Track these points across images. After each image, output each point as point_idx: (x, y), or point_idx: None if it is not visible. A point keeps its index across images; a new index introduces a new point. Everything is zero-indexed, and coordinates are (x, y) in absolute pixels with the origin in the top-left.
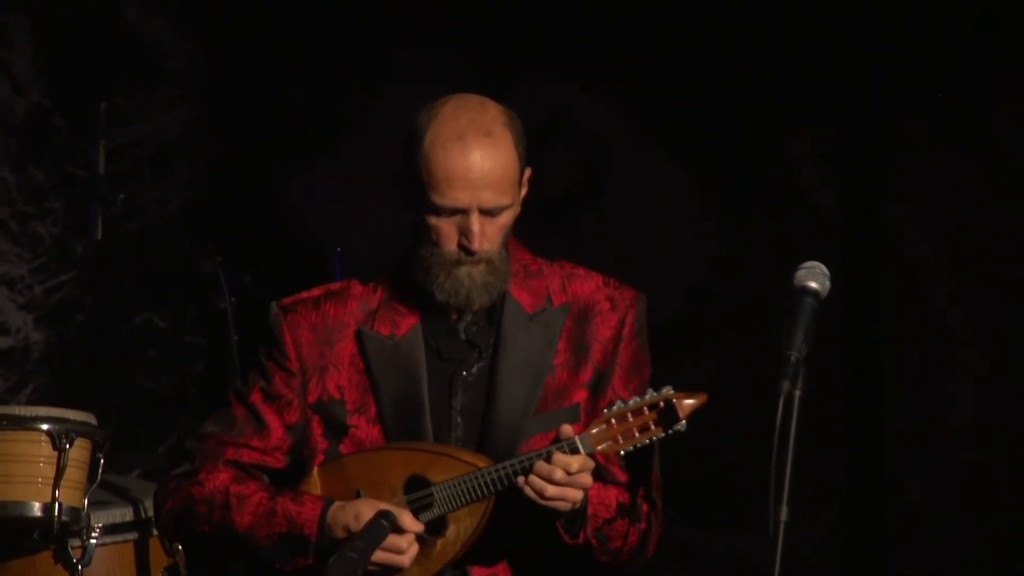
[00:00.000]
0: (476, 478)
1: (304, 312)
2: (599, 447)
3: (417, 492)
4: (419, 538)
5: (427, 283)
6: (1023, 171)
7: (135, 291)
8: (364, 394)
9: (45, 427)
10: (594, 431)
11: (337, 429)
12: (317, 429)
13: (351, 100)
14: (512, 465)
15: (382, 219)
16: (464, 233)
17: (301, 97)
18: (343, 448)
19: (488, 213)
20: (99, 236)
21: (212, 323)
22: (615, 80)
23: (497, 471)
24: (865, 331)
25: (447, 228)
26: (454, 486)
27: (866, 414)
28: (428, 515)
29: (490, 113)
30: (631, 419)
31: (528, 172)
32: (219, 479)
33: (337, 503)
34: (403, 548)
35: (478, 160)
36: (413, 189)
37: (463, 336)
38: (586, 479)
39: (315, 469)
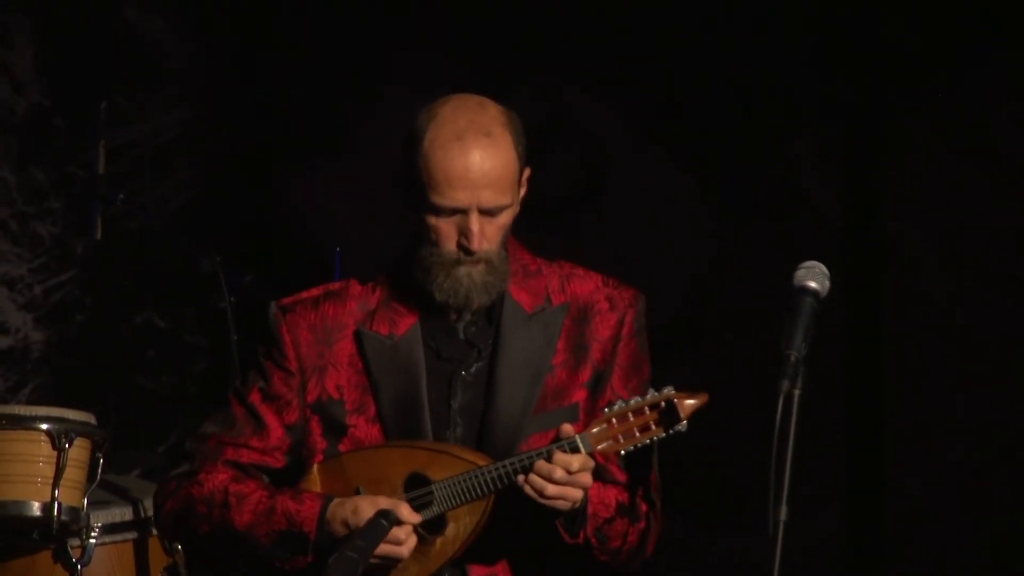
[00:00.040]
0: (476, 476)
1: (303, 312)
2: (599, 446)
3: (417, 490)
4: (419, 536)
5: (426, 283)
6: (1023, 171)
7: (135, 291)
8: (363, 394)
9: (45, 427)
10: (594, 430)
11: (336, 429)
12: (316, 429)
13: (351, 100)
14: (512, 464)
15: (382, 219)
16: (463, 233)
17: (301, 97)
18: (342, 448)
19: (487, 213)
20: (99, 236)
21: (212, 323)
22: (615, 80)
23: (497, 470)
24: (865, 331)
25: (446, 228)
26: (454, 484)
27: (866, 414)
28: (428, 513)
29: (489, 113)
30: (632, 419)
31: (527, 172)
32: (218, 479)
33: (336, 500)
34: (401, 539)
35: (477, 160)
36: (413, 189)
37: (462, 336)
38: (586, 478)
39: (315, 467)
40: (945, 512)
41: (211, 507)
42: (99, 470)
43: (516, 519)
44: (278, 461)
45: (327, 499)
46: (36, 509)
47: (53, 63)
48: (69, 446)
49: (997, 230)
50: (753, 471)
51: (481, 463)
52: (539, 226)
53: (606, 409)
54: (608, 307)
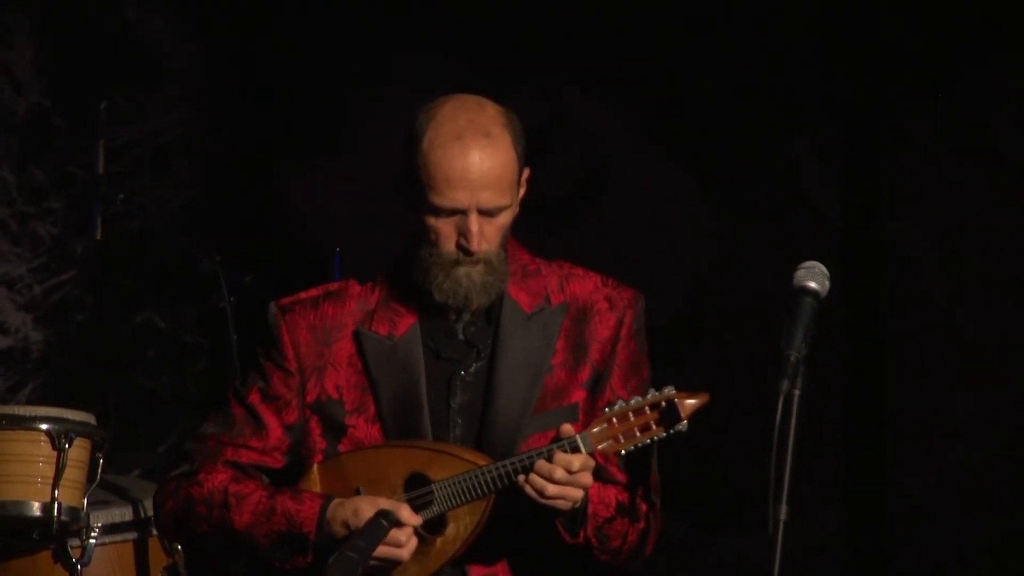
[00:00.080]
0: (476, 476)
1: (302, 312)
2: (600, 446)
3: (417, 490)
4: (419, 536)
5: (426, 283)
6: (1023, 171)
7: (135, 291)
8: (363, 394)
9: (44, 427)
10: (595, 430)
11: (336, 429)
12: (316, 429)
13: (351, 100)
14: (513, 463)
15: (382, 219)
16: (463, 233)
17: (301, 97)
18: (342, 448)
19: (487, 213)
20: (99, 236)
21: (212, 323)
22: (615, 80)
23: (497, 469)
24: (865, 331)
25: (446, 228)
26: (454, 484)
27: (866, 414)
28: (428, 513)
29: (488, 113)
30: (632, 418)
31: (527, 172)
32: (218, 479)
33: (336, 500)
34: (402, 542)
35: (477, 160)
36: (412, 189)
37: (461, 336)
38: (587, 478)
39: (315, 467)
40: (945, 512)
41: (211, 507)
42: (99, 470)
43: (516, 519)
44: (277, 461)
45: (327, 499)
46: (36, 509)
47: (53, 63)
48: (69, 446)
49: (997, 230)
50: (753, 471)
51: (481, 463)
52: (539, 226)
53: (606, 409)
54: (607, 307)
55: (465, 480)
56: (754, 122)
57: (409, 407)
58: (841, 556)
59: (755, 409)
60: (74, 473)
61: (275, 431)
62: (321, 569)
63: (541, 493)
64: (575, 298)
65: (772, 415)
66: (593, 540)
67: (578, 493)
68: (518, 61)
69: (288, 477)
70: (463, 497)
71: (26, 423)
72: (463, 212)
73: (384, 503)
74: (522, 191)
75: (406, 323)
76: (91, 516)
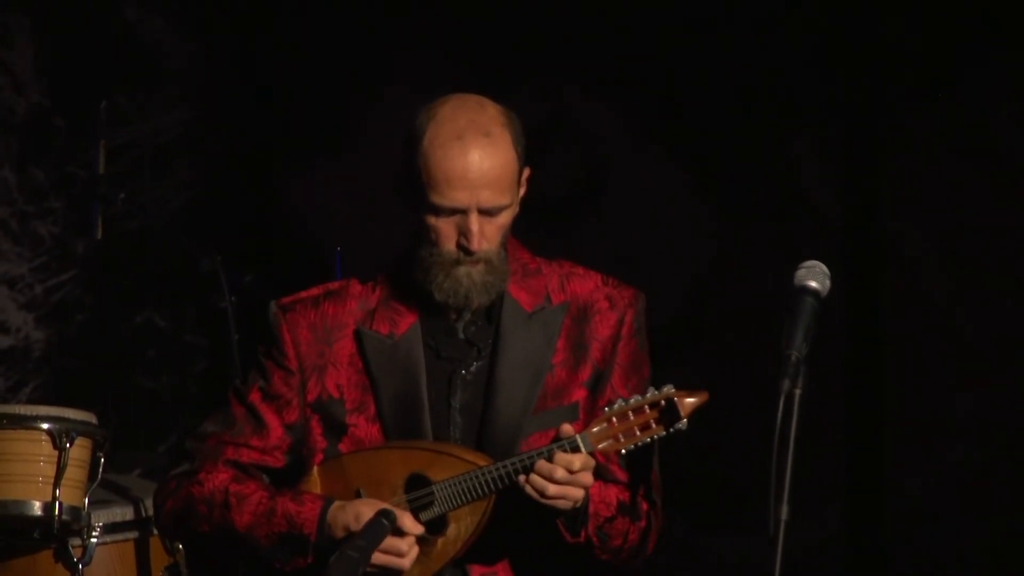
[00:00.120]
0: (477, 477)
1: (303, 311)
2: (600, 445)
3: (417, 491)
4: (419, 537)
5: (426, 283)
6: (1023, 171)
7: (135, 291)
8: (363, 393)
9: (45, 426)
10: (595, 429)
11: (336, 428)
12: (316, 428)
13: (351, 100)
14: (513, 464)
15: (382, 219)
16: (463, 233)
17: (301, 97)
18: (342, 447)
19: (487, 213)
20: (99, 236)
21: (212, 323)
22: (615, 80)
23: (498, 470)
24: (865, 331)
25: (446, 228)
26: (454, 485)
27: (866, 414)
28: (428, 514)
29: (489, 113)
30: (632, 417)
31: (527, 172)
32: (219, 479)
33: (337, 503)
34: (403, 551)
35: (477, 160)
36: (412, 189)
37: (462, 335)
38: (587, 478)
39: (315, 468)
40: (945, 512)
41: (211, 507)
42: (100, 469)
43: (517, 519)
44: (278, 460)
45: (327, 501)
46: (37, 508)
47: (53, 63)
48: (70, 445)
49: (997, 230)
50: (753, 471)
51: (481, 463)
52: (539, 226)
53: (606, 408)
54: (608, 306)
55: (465, 481)
56: (754, 122)
57: (410, 406)
58: (841, 556)
59: (755, 409)
60: (75, 472)
61: (276, 430)
62: (322, 570)
63: (542, 493)
64: (576, 297)
65: (772, 415)
66: (594, 539)
67: (579, 493)
68: (518, 61)
69: (289, 476)
70: (464, 498)
71: (27, 422)
72: (463, 211)
73: (386, 506)
74: (522, 191)
75: (407, 322)
76: (92, 515)
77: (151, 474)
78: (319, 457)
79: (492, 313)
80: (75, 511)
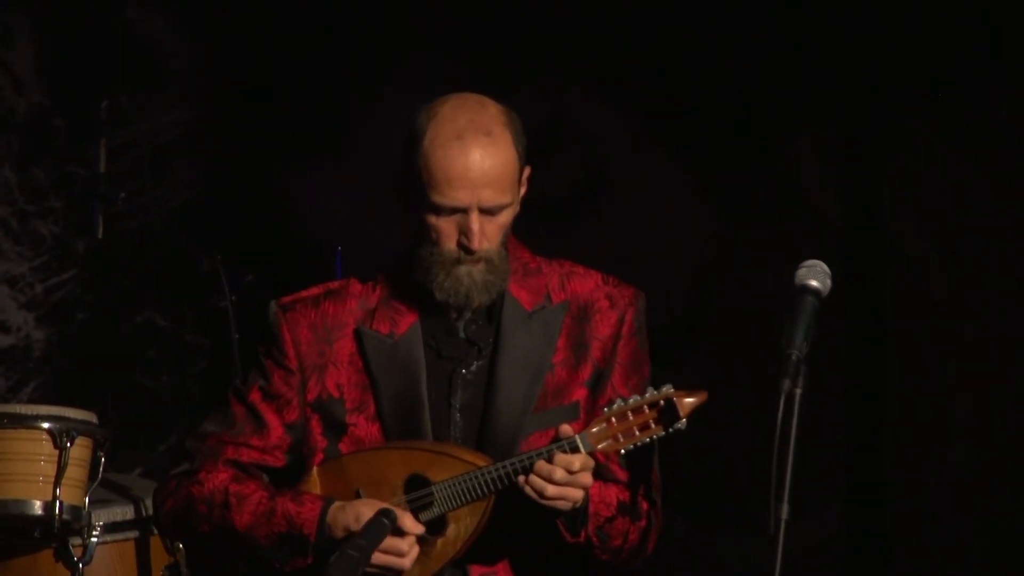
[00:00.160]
0: (476, 477)
1: (303, 311)
2: (599, 446)
3: (417, 491)
4: (419, 538)
5: (427, 282)
6: (1023, 171)
7: (136, 290)
8: (363, 393)
9: (46, 425)
10: (594, 430)
11: (336, 428)
12: (316, 428)
13: (351, 100)
14: (512, 464)
15: (382, 219)
16: (464, 232)
17: (301, 97)
18: (342, 447)
19: (488, 212)
20: (100, 235)
21: (213, 322)
22: (615, 80)
23: (497, 470)
24: (865, 331)
25: (447, 227)
26: (454, 485)
27: (866, 414)
28: (428, 514)
29: (489, 112)
30: (631, 418)
31: (527, 171)
32: (219, 479)
33: (337, 503)
34: (404, 551)
35: (477, 159)
36: (413, 189)
37: (462, 334)
38: (587, 479)
39: (315, 468)
40: (945, 512)
41: (211, 507)
42: (100, 469)
43: (517, 519)
44: (278, 460)
45: (327, 501)
46: (38, 508)
47: (53, 63)
48: (70, 445)
49: (997, 230)
50: (753, 471)
51: (481, 464)
52: (539, 226)
53: (605, 408)
54: (608, 305)
55: (465, 481)
56: (754, 122)
57: (410, 405)
58: (841, 556)
59: (755, 409)
60: (76, 472)
61: (276, 430)
62: (322, 569)
63: (541, 494)
64: (576, 296)
65: (772, 415)
66: (594, 539)
67: (578, 493)
68: (518, 61)
69: (289, 476)
70: (463, 498)
71: (28, 422)
72: (464, 211)
73: (386, 505)
74: (523, 190)
75: (407, 322)
76: (93, 515)
77: (151, 473)
78: (319, 456)
79: (492, 312)
80: (75, 510)
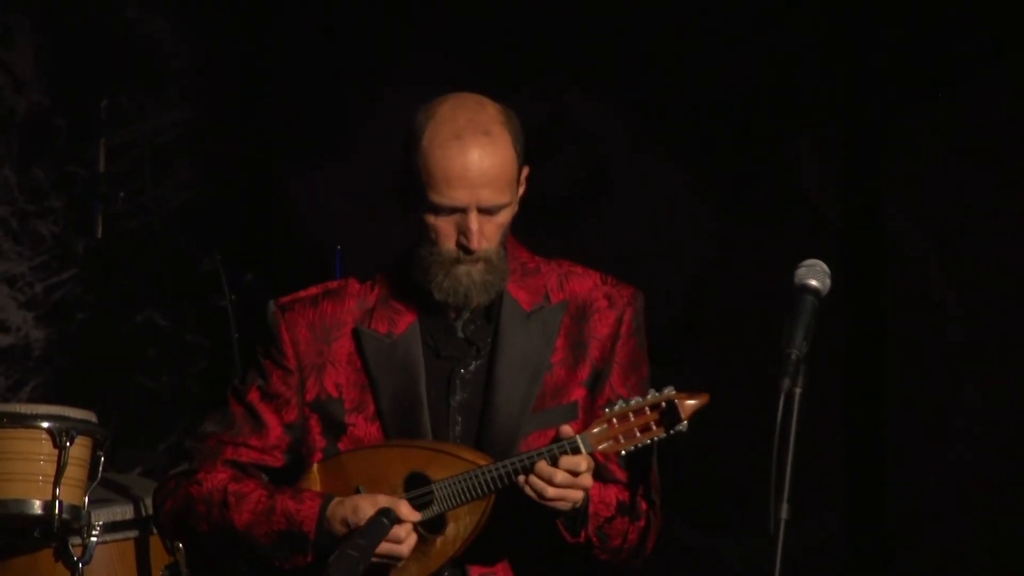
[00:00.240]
0: (476, 476)
1: (302, 310)
2: (600, 447)
3: (417, 490)
4: (419, 536)
5: (425, 282)
6: (1023, 171)
7: (136, 290)
8: (362, 392)
9: (46, 425)
10: (595, 430)
11: (335, 428)
12: (315, 428)
13: (351, 100)
14: (513, 464)
15: (382, 219)
16: (463, 232)
17: (301, 97)
18: (341, 446)
19: (486, 212)
20: (100, 235)
21: (213, 322)
22: (615, 80)
23: (497, 469)
24: (865, 331)
25: (446, 227)
26: (454, 484)
27: (866, 414)
28: (428, 513)
29: (488, 112)
30: (632, 419)
31: (526, 171)
32: (217, 478)
33: (336, 499)
34: (401, 538)
35: (476, 159)
36: (412, 188)
37: (461, 334)
38: (587, 480)
39: (315, 466)
40: (945, 512)
41: (210, 506)
42: (100, 468)
43: (516, 519)
44: (277, 460)
45: (327, 498)
46: (37, 507)
47: (53, 63)
48: (70, 444)
49: (997, 230)
50: (753, 471)
51: (481, 463)
52: (539, 226)
53: (606, 409)
54: (607, 305)
55: (465, 480)
56: (754, 122)
57: (409, 405)
58: (841, 556)
59: (755, 409)
60: (75, 471)
61: (274, 430)
62: (322, 568)
63: (541, 494)
64: (574, 296)
65: (772, 415)
66: (594, 539)
67: (578, 495)
68: (518, 61)
69: (288, 476)
70: (463, 497)
71: (27, 421)
72: (463, 210)
73: (383, 500)
74: (521, 189)
75: (405, 321)
76: (92, 514)
77: (151, 473)
78: (318, 456)
79: (491, 312)
80: (75, 510)
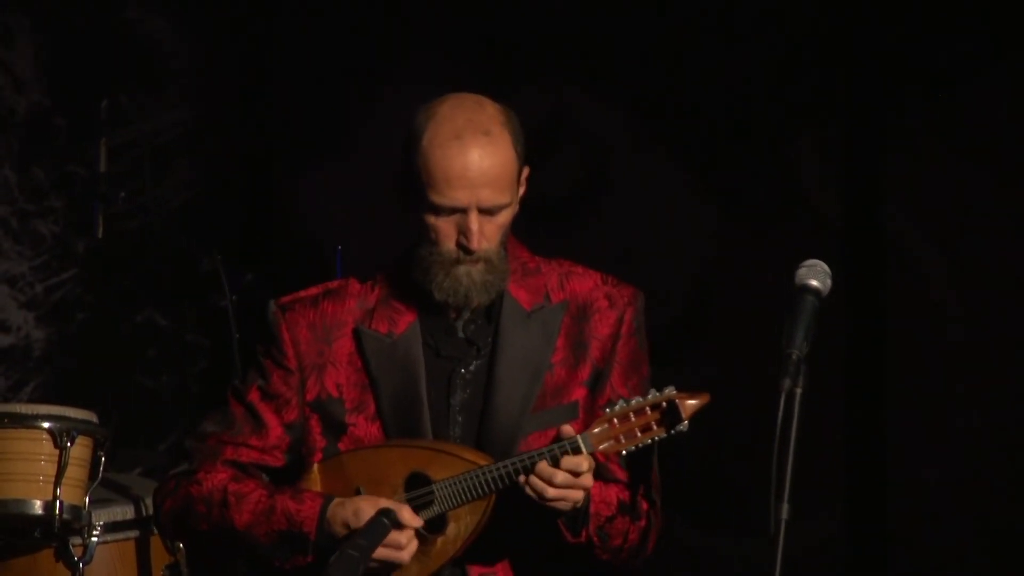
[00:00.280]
0: (477, 476)
1: (302, 310)
2: (601, 446)
3: (417, 490)
4: (419, 536)
5: (426, 282)
6: (1023, 171)
7: (136, 290)
8: (363, 392)
9: (46, 425)
10: (596, 430)
11: (336, 427)
12: (316, 428)
13: (351, 100)
14: (514, 464)
15: (382, 219)
16: (463, 232)
17: (301, 97)
18: (342, 446)
19: (487, 212)
20: (100, 234)
21: (213, 322)
22: (615, 80)
23: (498, 469)
24: (865, 331)
25: (446, 227)
26: (454, 484)
27: (866, 414)
28: (428, 513)
29: (488, 112)
30: (633, 419)
31: (526, 171)
32: (217, 478)
33: (336, 500)
34: (402, 544)
35: (476, 159)
36: (412, 188)
37: (461, 334)
38: (588, 480)
39: (315, 466)
40: (945, 512)
41: (210, 506)
42: (100, 468)
43: (517, 519)
44: (277, 460)
45: (327, 499)
46: (38, 507)
47: (53, 63)
48: (71, 444)
49: (997, 230)
50: (753, 471)
51: (482, 463)
52: (539, 226)
53: (607, 409)
54: (607, 305)
55: (465, 480)
56: (754, 122)
57: (409, 405)
58: (841, 556)
59: (755, 409)
60: (76, 471)
61: (275, 429)
62: (322, 568)
63: (541, 495)
64: (575, 296)
65: (773, 415)
66: (595, 539)
67: (578, 495)
68: (518, 61)
69: (288, 476)
70: (463, 497)
71: (28, 421)
72: (463, 211)
73: (385, 503)
74: (522, 189)
75: (406, 321)
76: (93, 514)
77: (152, 473)
78: (318, 456)
79: (492, 312)
80: (76, 510)
